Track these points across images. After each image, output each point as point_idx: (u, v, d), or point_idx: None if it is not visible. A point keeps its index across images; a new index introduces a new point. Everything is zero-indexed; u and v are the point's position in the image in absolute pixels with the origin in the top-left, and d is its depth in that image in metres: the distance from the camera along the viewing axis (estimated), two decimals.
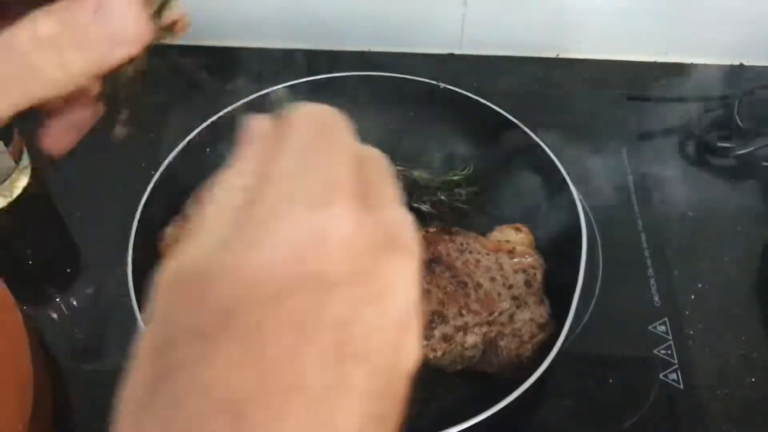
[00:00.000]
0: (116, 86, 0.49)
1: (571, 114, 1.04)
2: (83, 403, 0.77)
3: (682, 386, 0.77)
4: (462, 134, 0.96)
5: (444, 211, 0.92)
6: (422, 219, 0.90)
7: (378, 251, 0.29)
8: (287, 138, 0.33)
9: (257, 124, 0.36)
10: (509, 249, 0.80)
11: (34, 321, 0.83)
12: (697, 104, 1.06)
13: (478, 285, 0.77)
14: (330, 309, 0.27)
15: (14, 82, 0.37)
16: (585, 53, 1.17)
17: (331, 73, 0.97)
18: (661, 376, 0.78)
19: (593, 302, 0.84)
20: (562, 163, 0.85)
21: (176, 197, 0.86)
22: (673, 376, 0.78)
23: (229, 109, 0.92)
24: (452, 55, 1.18)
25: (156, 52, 1.25)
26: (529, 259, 0.80)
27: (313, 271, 0.27)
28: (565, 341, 0.70)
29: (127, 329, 0.81)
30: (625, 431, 0.74)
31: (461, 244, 0.81)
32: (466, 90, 0.94)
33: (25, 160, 0.97)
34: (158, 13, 0.43)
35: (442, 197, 0.92)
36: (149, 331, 0.29)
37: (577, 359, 0.79)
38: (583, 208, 0.83)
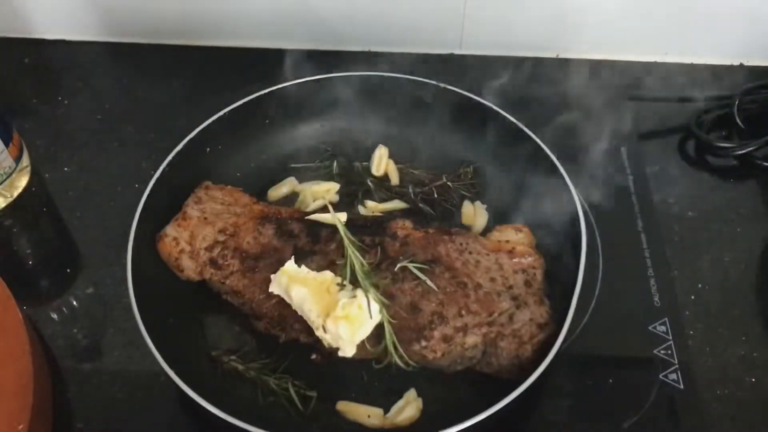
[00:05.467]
0: None
1: (570, 114, 1.04)
2: (83, 403, 0.77)
3: (682, 386, 0.77)
4: (462, 134, 0.96)
5: (444, 211, 0.92)
6: (422, 219, 0.90)
7: None
8: None
9: None
10: (509, 249, 0.80)
11: (34, 321, 0.83)
12: (696, 104, 1.06)
13: (478, 285, 0.77)
14: None
15: None
16: (585, 53, 1.17)
17: (331, 73, 0.97)
18: (661, 376, 0.78)
19: (593, 302, 0.84)
20: (561, 163, 0.85)
21: (176, 197, 0.86)
22: (673, 376, 0.78)
23: (228, 109, 0.92)
24: (452, 55, 1.18)
25: (156, 51, 1.24)
26: (529, 259, 0.80)
27: None
28: (565, 341, 0.70)
29: (127, 329, 0.82)
30: (625, 431, 0.74)
31: (461, 244, 0.81)
32: (466, 90, 0.94)
33: (25, 160, 0.97)
34: None
35: (442, 197, 0.93)
36: None
37: (577, 359, 0.79)
38: (583, 208, 0.83)
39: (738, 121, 1.01)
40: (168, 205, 0.85)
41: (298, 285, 0.73)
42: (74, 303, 0.86)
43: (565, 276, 0.77)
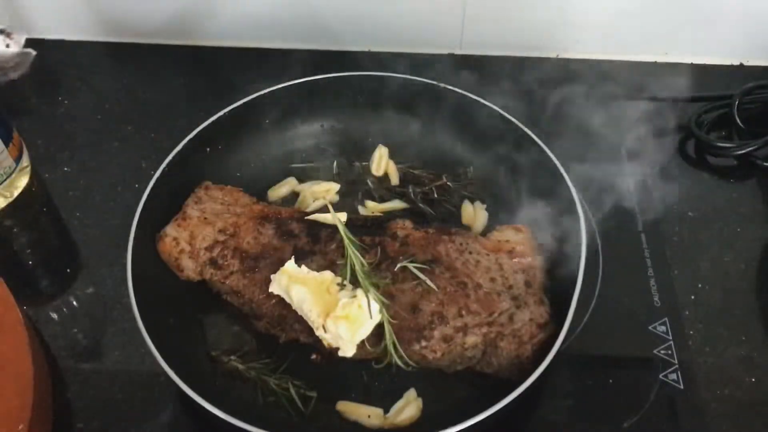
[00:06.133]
0: None
1: (570, 114, 1.04)
2: (83, 403, 0.77)
3: (682, 386, 0.77)
4: (462, 134, 0.96)
5: (444, 211, 0.92)
6: (422, 219, 0.90)
7: None
8: None
9: None
10: (509, 249, 0.80)
11: (34, 321, 0.83)
12: (696, 104, 1.06)
13: (478, 285, 0.77)
14: None
15: None
16: (585, 53, 1.17)
17: (332, 73, 0.97)
18: (661, 376, 0.78)
19: (593, 302, 0.84)
20: (561, 164, 0.85)
21: (176, 197, 0.86)
22: (673, 376, 0.78)
23: (228, 109, 0.92)
24: (452, 55, 1.18)
25: (155, 51, 1.23)
26: (529, 259, 0.80)
27: None
28: (565, 341, 0.70)
29: (127, 329, 0.82)
30: (625, 431, 0.74)
31: (461, 244, 0.81)
32: (466, 90, 0.94)
33: (25, 160, 0.97)
34: None
35: (442, 197, 0.93)
36: None
37: (577, 359, 0.79)
38: (583, 208, 0.83)
39: (738, 121, 1.01)
40: (168, 205, 0.85)
41: (298, 285, 0.73)
42: (74, 303, 0.86)
43: (565, 276, 0.77)
